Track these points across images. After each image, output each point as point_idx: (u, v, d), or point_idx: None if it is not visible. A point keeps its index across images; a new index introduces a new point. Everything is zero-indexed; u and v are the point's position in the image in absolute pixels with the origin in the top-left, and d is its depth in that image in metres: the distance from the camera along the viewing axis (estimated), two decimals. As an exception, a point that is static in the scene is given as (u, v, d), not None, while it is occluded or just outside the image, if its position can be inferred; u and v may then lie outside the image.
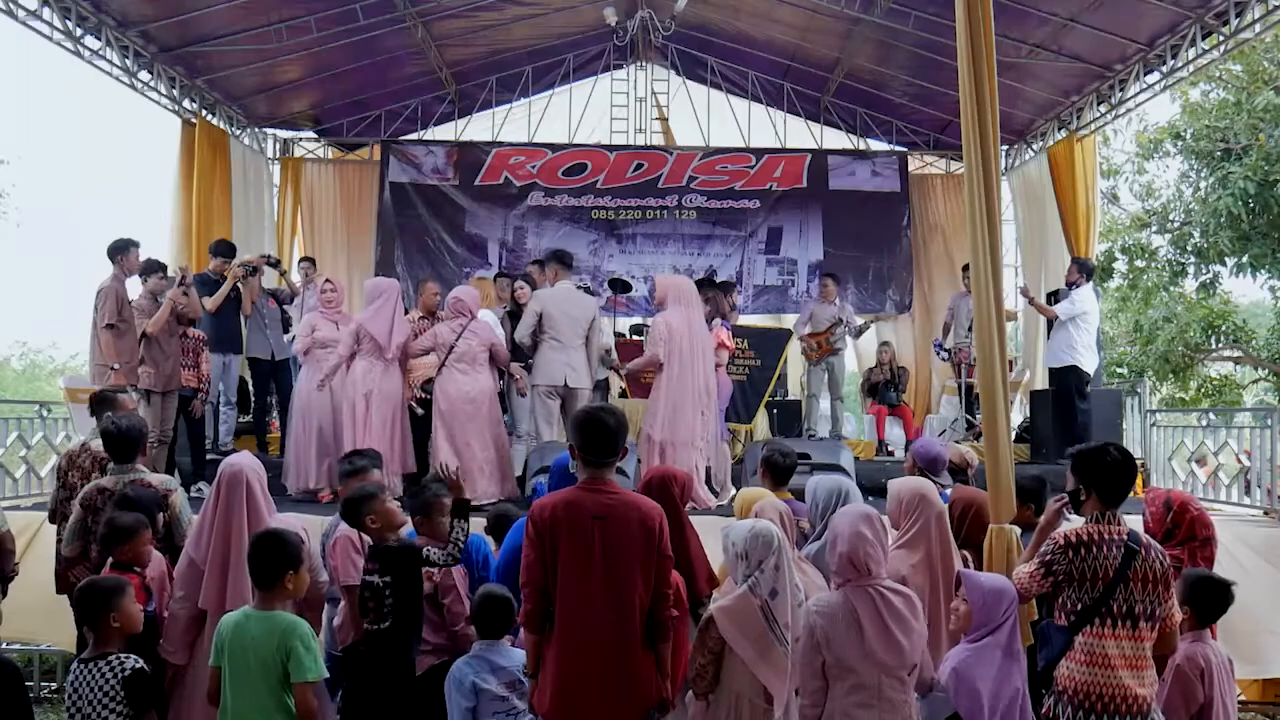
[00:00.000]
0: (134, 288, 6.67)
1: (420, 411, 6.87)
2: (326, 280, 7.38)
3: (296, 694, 3.05)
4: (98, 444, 4.68)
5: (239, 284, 7.83)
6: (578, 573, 3.04)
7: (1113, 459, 3.17)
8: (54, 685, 6.22)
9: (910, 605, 3.12)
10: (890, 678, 3.03)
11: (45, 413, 7.32)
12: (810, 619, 3.07)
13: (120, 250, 6.42)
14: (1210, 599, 3.44)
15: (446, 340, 6.45)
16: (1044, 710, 3.17)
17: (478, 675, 3.42)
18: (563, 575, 3.05)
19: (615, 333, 9.15)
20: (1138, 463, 8.23)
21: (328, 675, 3.12)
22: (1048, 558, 3.14)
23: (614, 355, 7.75)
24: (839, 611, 3.04)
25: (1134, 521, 3.37)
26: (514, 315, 7.38)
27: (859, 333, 9.67)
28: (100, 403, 4.95)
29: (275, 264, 8.16)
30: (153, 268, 6.78)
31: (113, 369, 6.17)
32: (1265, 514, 6.66)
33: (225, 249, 8.00)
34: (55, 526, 4.78)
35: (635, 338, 9.48)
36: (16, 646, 6.01)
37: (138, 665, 3.15)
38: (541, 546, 3.07)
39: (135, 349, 6.41)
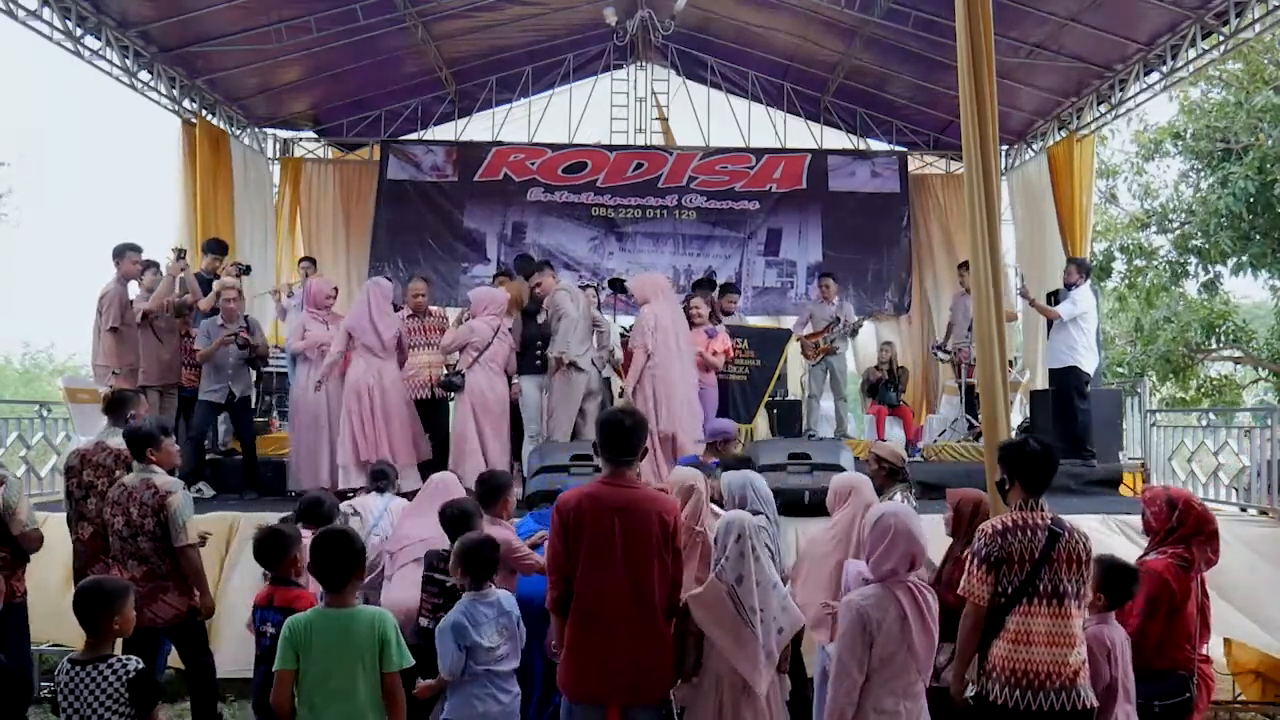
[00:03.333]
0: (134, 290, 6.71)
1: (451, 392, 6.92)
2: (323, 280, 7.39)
3: (387, 682, 3.15)
4: (115, 441, 4.74)
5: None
6: (599, 562, 3.26)
7: (1032, 450, 3.39)
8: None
9: (935, 600, 3.25)
10: (921, 669, 3.14)
11: (45, 413, 7.32)
12: (861, 610, 3.15)
13: (118, 255, 6.46)
14: (1121, 584, 3.54)
15: (485, 337, 6.62)
16: (978, 689, 3.28)
17: (471, 627, 3.52)
18: (584, 564, 3.27)
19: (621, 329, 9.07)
20: (1138, 462, 8.30)
21: (414, 662, 3.26)
22: (980, 549, 3.28)
23: (617, 356, 7.74)
24: (887, 604, 3.15)
25: (1133, 521, 3.40)
26: (527, 313, 7.41)
27: (854, 331, 9.63)
28: (120, 403, 4.98)
29: (247, 270, 8.12)
30: (146, 265, 6.84)
31: (114, 373, 6.19)
32: (1264, 514, 6.66)
33: (217, 247, 7.99)
34: (72, 527, 4.79)
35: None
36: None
37: (140, 666, 3.12)
38: (566, 537, 3.31)
39: (137, 351, 6.43)
